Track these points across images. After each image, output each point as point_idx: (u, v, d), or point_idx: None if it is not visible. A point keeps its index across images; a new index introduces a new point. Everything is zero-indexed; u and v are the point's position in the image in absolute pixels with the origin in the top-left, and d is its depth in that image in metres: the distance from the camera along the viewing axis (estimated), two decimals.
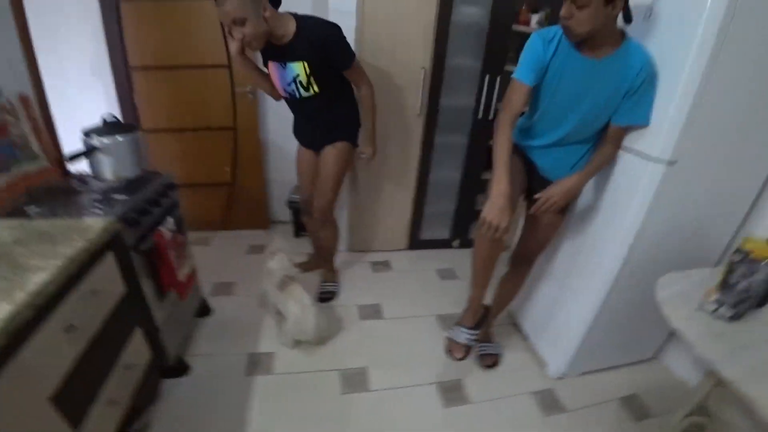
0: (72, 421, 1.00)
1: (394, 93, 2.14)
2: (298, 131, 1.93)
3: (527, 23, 2.31)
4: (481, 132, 2.33)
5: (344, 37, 1.59)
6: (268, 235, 2.66)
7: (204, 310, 1.96)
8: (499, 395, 1.70)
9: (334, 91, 1.71)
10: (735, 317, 1.10)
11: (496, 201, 1.24)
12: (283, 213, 2.77)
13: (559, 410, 1.67)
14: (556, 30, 1.25)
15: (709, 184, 1.42)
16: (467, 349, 1.59)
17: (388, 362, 1.81)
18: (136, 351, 1.34)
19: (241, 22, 1.40)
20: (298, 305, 1.76)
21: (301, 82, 1.63)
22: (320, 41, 1.54)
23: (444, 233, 2.67)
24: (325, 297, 2.16)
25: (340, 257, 2.48)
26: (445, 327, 2.02)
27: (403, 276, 2.43)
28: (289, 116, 1.89)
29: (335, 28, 1.56)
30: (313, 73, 1.60)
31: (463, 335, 1.56)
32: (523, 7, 2.30)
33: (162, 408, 1.50)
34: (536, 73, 1.28)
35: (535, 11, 2.31)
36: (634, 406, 1.75)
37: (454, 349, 1.60)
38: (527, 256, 1.69)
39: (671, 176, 1.32)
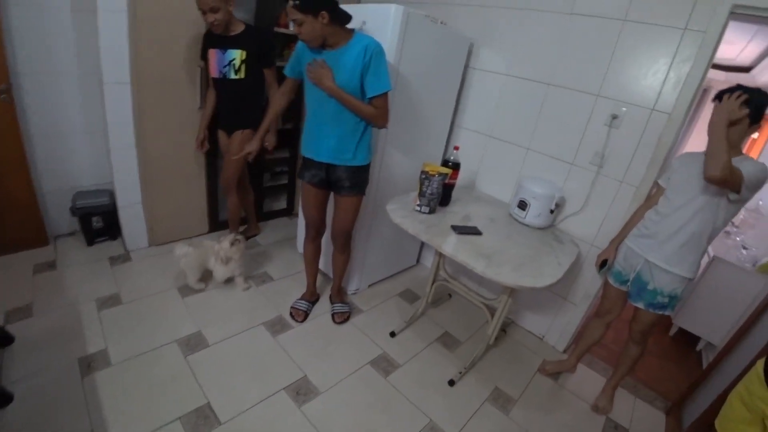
0: None
1: (172, 88, 2.29)
2: (221, 115, 2.35)
3: (286, 26, 2.67)
4: None
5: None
6: (53, 251, 2.42)
7: (4, 340, 1.77)
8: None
9: (253, 81, 2.23)
10: (431, 212, 1.89)
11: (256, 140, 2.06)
12: (65, 225, 2.55)
13: (357, 312, 2.34)
14: None
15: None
16: (305, 315, 2.23)
17: (221, 321, 2.10)
18: None
19: (215, 10, 1.94)
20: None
21: (234, 65, 2.12)
22: (261, 38, 2.19)
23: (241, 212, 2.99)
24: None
25: (144, 254, 2.54)
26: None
27: None
28: (61, 119, 2.01)
29: (271, 33, 2.43)
30: (245, 61, 2.13)
31: (303, 305, 2.26)
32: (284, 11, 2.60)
33: None
34: (293, 67, 1.82)
35: None
36: (408, 295, 2.60)
37: (296, 315, 2.22)
38: (338, 234, 2.03)
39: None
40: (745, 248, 2.76)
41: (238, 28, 2.12)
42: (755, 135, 4.05)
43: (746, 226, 3.13)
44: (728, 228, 3.06)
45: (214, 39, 2.11)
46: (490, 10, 2.34)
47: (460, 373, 2.02)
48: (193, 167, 2.58)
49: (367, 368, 1.98)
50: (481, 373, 2.09)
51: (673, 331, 2.90)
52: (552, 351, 2.39)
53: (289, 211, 3.28)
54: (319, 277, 2.46)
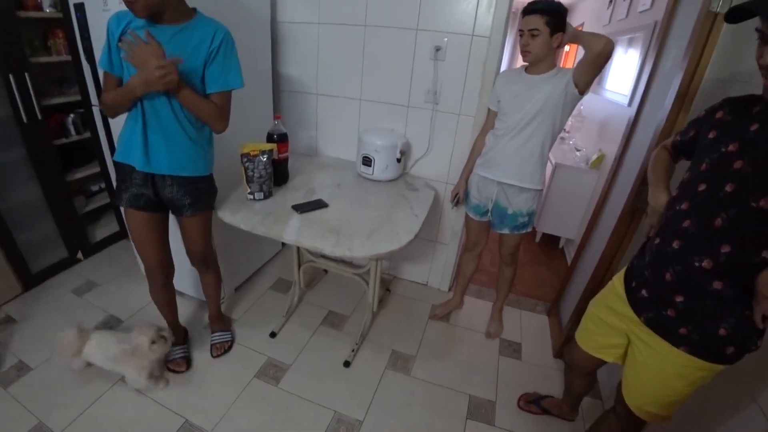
0: None
1: None
2: None
3: (38, 8, 2.05)
4: (40, 134, 2.10)
5: None
6: None
7: None
8: None
9: None
10: (267, 196, 1.65)
11: None
12: None
13: (232, 321, 2.07)
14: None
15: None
16: (186, 361, 1.80)
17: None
18: None
19: None
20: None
21: None
22: None
23: (62, 252, 2.39)
24: None
25: None
26: None
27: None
28: None
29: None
30: None
31: (177, 353, 1.79)
32: None
33: None
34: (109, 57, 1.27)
35: None
36: (281, 285, 2.38)
37: (176, 366, 1.77)
38: (195, 258, 1.68)
39: None
40: (578, 150, 3.04)
41: None
42: (566, 48, 4.52)
43: (574, 130, 3.47)
44: (561, 134, 3.36)
45: None
46: None
47: (353, 350, 1.91)
48: None
49: (255, 382, 1.75)
50: (375, 342, 2.01)
51: (538, 237, 3.17)
52: (438, 293, 2.42)
53: (125, 234, 2.72)
54: (188, 303, 2.14)
